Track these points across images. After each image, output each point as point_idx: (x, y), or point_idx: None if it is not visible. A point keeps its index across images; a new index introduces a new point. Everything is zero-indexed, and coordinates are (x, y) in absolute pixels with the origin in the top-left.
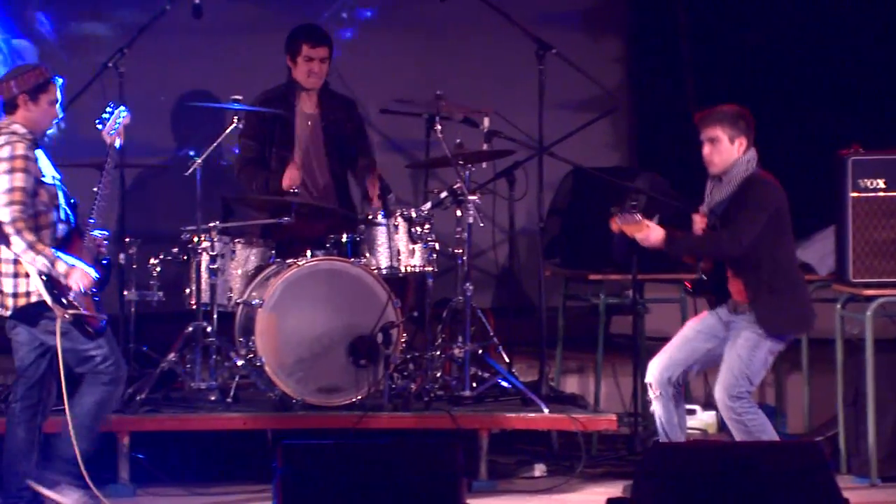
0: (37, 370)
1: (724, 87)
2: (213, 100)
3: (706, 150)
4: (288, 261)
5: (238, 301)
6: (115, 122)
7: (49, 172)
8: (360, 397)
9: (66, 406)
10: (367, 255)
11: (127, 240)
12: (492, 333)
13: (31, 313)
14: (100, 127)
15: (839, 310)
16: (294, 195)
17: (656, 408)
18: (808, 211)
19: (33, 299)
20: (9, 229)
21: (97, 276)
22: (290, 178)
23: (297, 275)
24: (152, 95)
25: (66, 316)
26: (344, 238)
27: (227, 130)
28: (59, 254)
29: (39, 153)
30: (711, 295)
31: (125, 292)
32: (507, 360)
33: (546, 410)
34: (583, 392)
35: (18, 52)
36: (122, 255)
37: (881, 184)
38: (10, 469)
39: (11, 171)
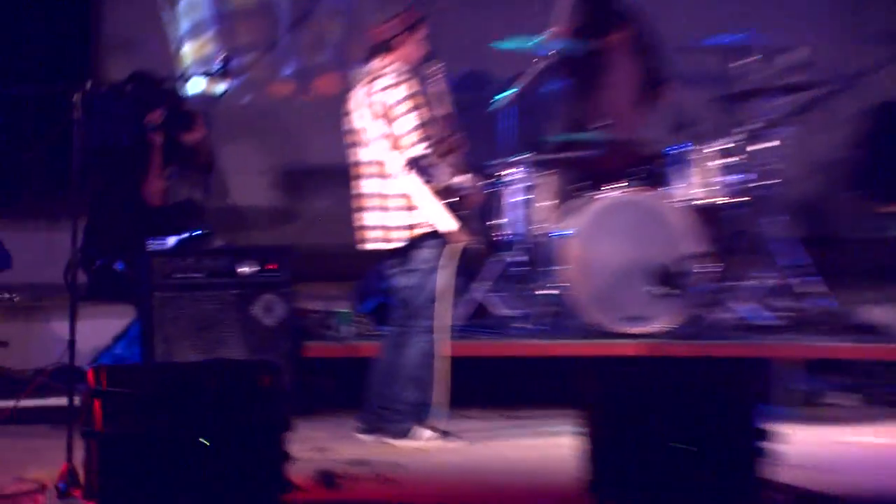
0: (415, 299)
1: None
2: (518, 40)
3: None
4: (594, 192)
5: (545, 231)
6: None
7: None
8: (662, 326)
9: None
10: (672, 185)
11: None
12: (795, 264)
13: (420, 244)
14: None
15: None
16: (601, 129)
17: None
18: None
19: (425, 230)
20: (427, 162)
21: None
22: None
23: (602, 206)
24: (461, 38)
25: (466, 240)
26: (648, 169)
27: (534, 68)
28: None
29: None
30: None
31: None
32: (810, 289)
33: (851, 340)
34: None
35: None
36: None
37: None
38: (375, 388)
39: (412, 109)
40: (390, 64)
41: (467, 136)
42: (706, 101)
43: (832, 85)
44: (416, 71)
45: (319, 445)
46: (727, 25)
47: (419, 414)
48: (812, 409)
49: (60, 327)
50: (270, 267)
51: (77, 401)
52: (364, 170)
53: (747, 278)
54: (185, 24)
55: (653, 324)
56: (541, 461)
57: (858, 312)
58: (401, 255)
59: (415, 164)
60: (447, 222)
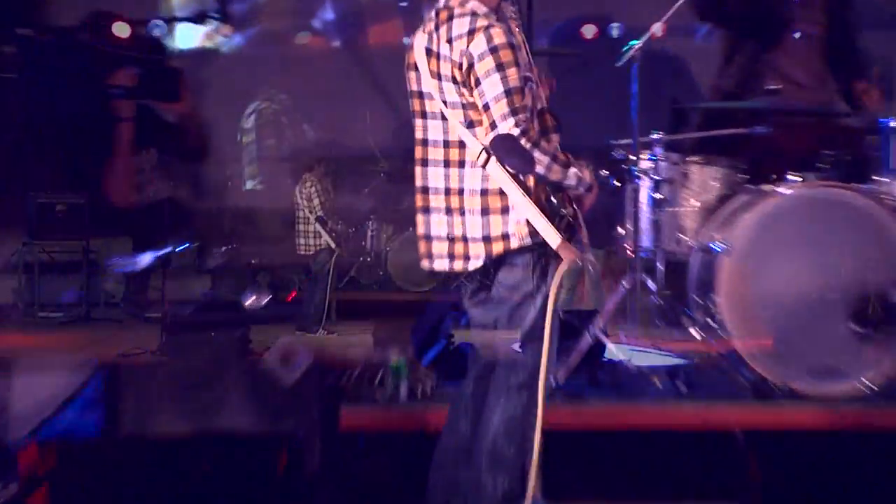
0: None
1: None
2: None
3: None
4: (764, 187)
5: (693, 245)
6: None
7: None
8: (870, 383)
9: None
10: (879, 178)
11: None
12: None
13: (510, 264)
14: None
15: None
16: (771, 95)
17: None
18: None
19: (514, 244)
20: (524, 143)
21: None
22: None
23: (777, 208)
24: None
25: (579, 261)
26: (844, 154)
27: (672, 10)
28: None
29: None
30: None
31: None
32: None
33: None
34: None
35: None
36: None
37: None
38: (442, 472)
39: (501, 67)
40: (466, 2)
41: (575, 109)
42: None
43: None
44: (498, 14)
45: None
46: None
47: None
48: None
49: None
50: (290, 297)
51: (10, 492)
52: (430, 153)
53: None
54: None
55: (849, 381)
56: None
57: None
58: (480, 278)
59: (503, 146)
60: (548, 232)
